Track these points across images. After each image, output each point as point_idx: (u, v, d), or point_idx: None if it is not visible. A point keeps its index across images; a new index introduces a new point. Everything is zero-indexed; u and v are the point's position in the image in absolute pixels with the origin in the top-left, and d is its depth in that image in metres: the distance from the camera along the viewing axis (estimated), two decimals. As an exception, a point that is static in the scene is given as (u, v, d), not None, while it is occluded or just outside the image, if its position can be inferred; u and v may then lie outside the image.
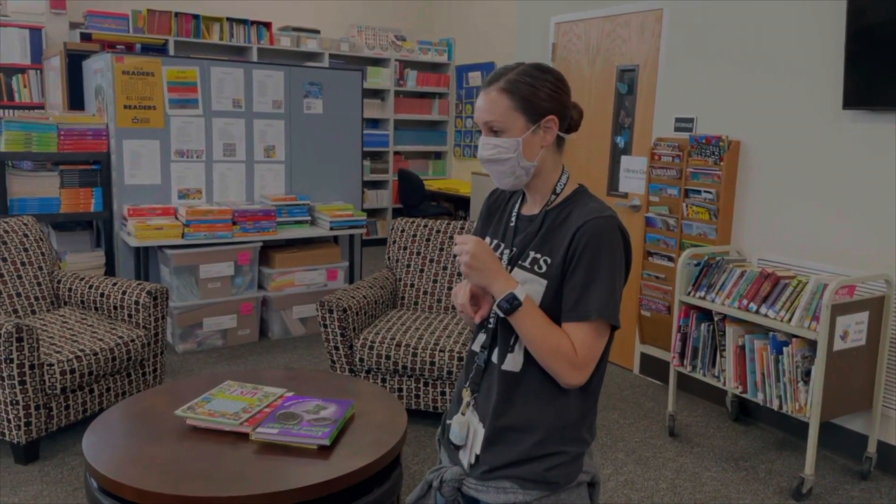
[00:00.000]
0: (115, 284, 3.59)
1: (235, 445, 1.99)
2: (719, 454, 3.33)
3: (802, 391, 2.94)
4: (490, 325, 1.48)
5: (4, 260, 3.55)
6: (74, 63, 5.37)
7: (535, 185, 1.48)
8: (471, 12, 7.98)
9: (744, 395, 3.19)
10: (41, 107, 6.00)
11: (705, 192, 3.76)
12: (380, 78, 7.91)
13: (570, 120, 1.47)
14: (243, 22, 7.10)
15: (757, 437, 3.53)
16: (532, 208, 1.51)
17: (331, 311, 3.39)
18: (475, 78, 7.94)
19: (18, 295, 3.56)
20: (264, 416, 2.10)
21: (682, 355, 3.45)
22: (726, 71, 3.77)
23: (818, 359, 2.85)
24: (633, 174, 4.18)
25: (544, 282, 1.40)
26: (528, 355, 1.42)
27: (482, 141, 1.44)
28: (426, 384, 3.39)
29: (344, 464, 1.90)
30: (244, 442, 2.01)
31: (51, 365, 2.99)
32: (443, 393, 3.37)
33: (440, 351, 3.31)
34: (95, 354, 3.15)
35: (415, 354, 3.32)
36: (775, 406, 3.05)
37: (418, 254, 4.03)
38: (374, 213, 8.26)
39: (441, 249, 4.02)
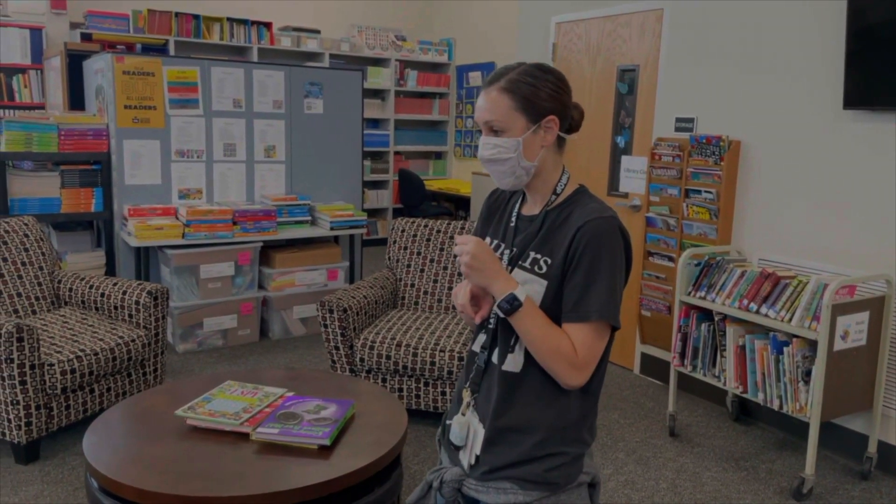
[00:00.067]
0: (115, 284, 3.59)
1: (236, 445, 1.99)
2: (720, 454, 3.33)
3: (803, 391, 2.94)
4: (490, 326, 1.48)
5: (5, 260, 3.55)
6: (75, 63, 5.37)
7: (536, 185, 1.48)
8: (471, 12, 7.98)
9: (744, 395, 3.19)
10: (41, 107, 6.00)
11: (706, 192, 3.76)
12: (380, 78, 7.91)
13: (571, 120, 1.47)
14: (244, 22, 7.10)
15: (757, 437, 3.53)
16: (532, 208, 1.51)
17: (331, 311, 3.39)
18: (475, 78, 7.94)
19: (19, 295, 3.56)
20: (265, 416, 2.10)
21: (682, 355, 3.45)
22: (727, 71, 3.77)
23: (818, 359, 2.85)
24: (634, 174, 4.18)
25: (544, 282, 1.40)
26: (528, 356, 1.42)
27: (482, 141, 1.44)
28: (426, 384, 3.39)
29: (344, 464, 1.90)
30: (244, 442, 2.01)
31: (51, 365, 2.99)
32: (443, 393, 3.37)
33: (440, 351, 3.31)
34: (96, 354, 3.15)
35: (415, 354, 3.32)
36: (776, 406, 3.05)
37: (419, 254, 4.03)
38: (374, 213, 8.26)
39: (441, 249, 4.02)
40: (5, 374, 2.88)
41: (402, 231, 4.08)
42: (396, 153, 8.23)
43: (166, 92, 4.54)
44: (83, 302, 3.66)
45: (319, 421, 2.05)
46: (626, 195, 4.37)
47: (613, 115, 4.47)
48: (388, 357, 3.35)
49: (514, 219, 1.52)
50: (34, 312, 3.61)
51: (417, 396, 3.41)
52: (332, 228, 4.90)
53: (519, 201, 1.54)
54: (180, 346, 4.49)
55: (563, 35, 4.79)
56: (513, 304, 1.35)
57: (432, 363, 3.31)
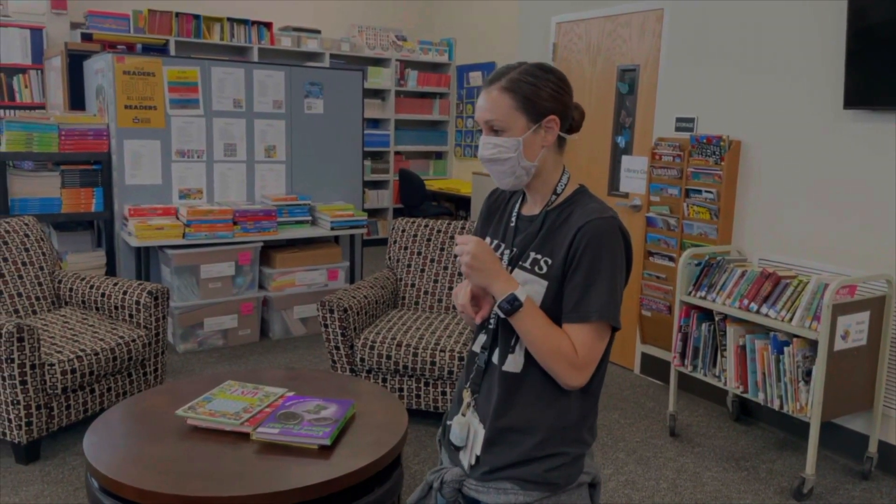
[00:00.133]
0: (115, 284, 3.59)
1: (236, 445, 1.99)
2: (720, 454, 3.33)
3: (803, 391, 2.94)
4: (491, 326, 1.48)
5: (6, 260, 3.56)
6: (75, 63, 5.37)
7: (536, 185, 1.48)
8: (471, 12, 7.98)
9: (745, 395, 3.19)
10: (42, 107, 6.00)
11: (706, 191, 3.76)
12: (380, 78, 7.91)
13: (572, 120, 1.46)
14: (244, 22, 7.10)
15: (758, 437, 3.53)
16: (532, 208, 1.50)
17: (331, 311, 3.39)
18: (476, 78, 7.94)
19: (19, 295, 3.56)
20: (265, 416, 2.10)
21: (682, 355, 3.44)
22: (727, 70, 3.77)
23: (819, 359, 2.85)
24: (634, 174, 4.18)
25: (545, 283, 1.40)
26: (528, 356, 1.42)
27: (483, 140, 1.44)
28: (427, 384, 3.39)
29: (344, 464, 1.90)
30: (245, 442, 2.01)
31: (52, 365, 2.99)
32: (443, 393, 3.37)
33: (441, 351, 3.31)
34: (96, 354, 3.15)
35: (415, 354, 3.32)
36: (776, 406, 3.05)
37: (419, 254, 4.03)
38: (374, 213, 8.26)
39: (442, 249, 4.02)
40: (6, 374, 2.88)
41: (403, 231, 4.08)
42: (397, 153, 8.23)
43: (167, 92, 4.55)
44: (83, 302, 3.67)
45: (320, 421, 2.05)
46: (626, 195, 4.37)
47: (614, 114, 4.47)
48: (389, 357, 3.35)
49: (514, 219, 1.52)
50: (35, 312, 3.61)
51: (418, 396, 3.41)
52: (332, 228, 4.90)
53: (519, 201, 1.54)
54: (181, 346, 4.49)
55: (563, 35, 4.79)
56: (513, 304, 1.35)
57: (433, 363, 3.31)
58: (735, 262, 3.39)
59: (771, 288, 3.07)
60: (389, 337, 3.41)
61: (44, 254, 3.74)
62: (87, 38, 6.23)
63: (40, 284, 3.67)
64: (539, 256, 1.43)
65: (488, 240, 1.56)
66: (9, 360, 2.86)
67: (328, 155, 5.20)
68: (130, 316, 3.50)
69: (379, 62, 8.11)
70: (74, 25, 6.27)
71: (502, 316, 1.38)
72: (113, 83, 4.39)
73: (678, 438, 3.49)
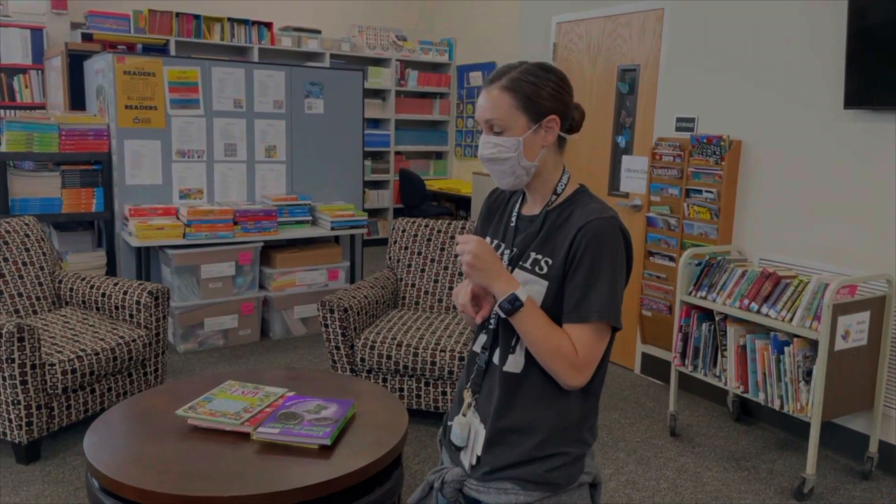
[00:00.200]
0: (116, 284, 3.59)
1: (236, 445, 1.99)
2: (721, 454, 3.33)
3: (804, 391, 2.94)
4: (491, 326, 1.48)
5: (6, 260, 3.56)
6: (75, 63, 5.37)
7: (536, 185, 1.47)
8: (472, 12, 7.98)
9: (745, 395, 3.19)
10: (42, 107, 6.00)
11: (706, 191, 3.76)
12: (381, 78, 7.91)
13: (572, 120, 1.46)
14: (244, 22, 7.10)
15: (758, 437, 3.53)
16: (532, 208, 1.50)
17: (332, 311, 3.39)
18: (476, 78, 7.94)
19: (20, 295, 3.56)
20: (265, 416, 2.10)
21: (683, 355, 3.44)
22: (727, 70, 3.76)
23: (819, 359, 2.84)
24: (634, 174, 4.18)
25: (545, 283, 1.40)
26: (529, 356, 1.42)
27: (483, 139, 1.44)
28: (427, 384, 3.39)
29: (345, 464, 1.90)
30: (245, 442, 2.01)
31: (52, 365, 2.99)
32: (444, 393, 3.37)
33: (441, 351, 3.31)
34: (97, 354, 3.15)
35: (416, 354, 3.32)
36: (777, 406, 3.05)
37: (419, 254, 4.03)
38: (375, 213, 8.26)
39: (442, 249, 4.02)
40: (6, 374, 2.88)
41: (403, 231, 4.08)
42: (397, 153, 8.23)
43: (167, 92, 4.55)
44: (84, 302, 3.67)
45: (320, 421, 2.05)
46: (626, 195, 4.37)
47: (614, 114, 4.46)
48: (389, 357, 3.35)
49: (514, 219, 1.52)
50: (35, 312, 3.61)
51: (418, 396, 3.41)
52: (332, 228, 4.90)
53: (519, 201, 1.54)
54: (181, 346, 4.49)
55: (563, 35, 4.79)
56: (514, 304, 1.35)
57: (433, 363, 3.31)
58: (735, 261, 3.39)
59: (771, 288, 3.07)
60: (390, 337, 3.41)
61: (44, 254, 3.74)
62: (87, 38, 6.23)
63: (41, 284, 3.67)
64: (539, 256, 1.43)
65: (488, 240, 1.56)
66: (9, 360, 2.86)
67: (328, 155, 5.20)
68: (131, 316, 3.50)
69: (379, 62, 8.11)
70: (75, 25, 6.27)
71: (503, 316, 1.38)
72: (113, 83, 4.39)
73: (678, 438, 3.49)
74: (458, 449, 1.52)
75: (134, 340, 3.33)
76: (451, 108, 8.41)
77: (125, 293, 3.52)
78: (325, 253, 4.98)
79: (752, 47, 3.64)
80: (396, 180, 8.08)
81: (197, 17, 6.82)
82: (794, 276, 3.07)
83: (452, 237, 4.02)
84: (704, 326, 3.34)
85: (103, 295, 3.59)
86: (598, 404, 1.50)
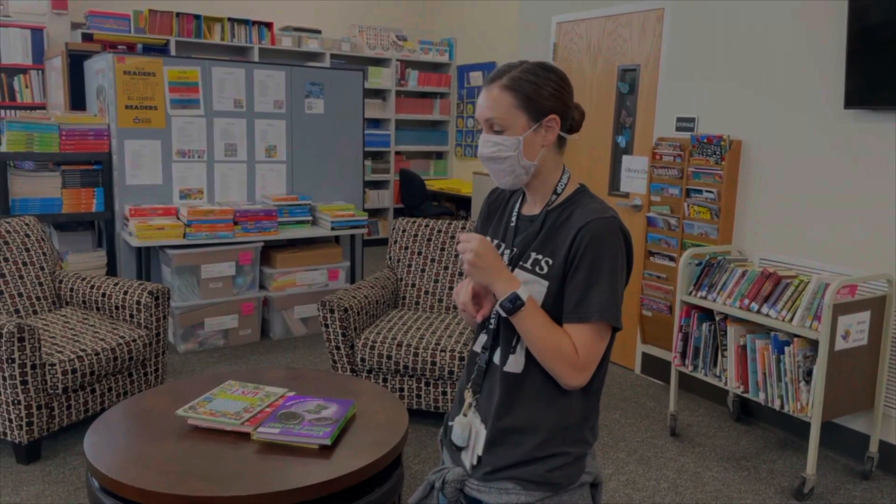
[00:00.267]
0: (116, 284, 3.59)
1: (237, 445, 1.99)
2: (721, 454, 3.33)
3: (804, 391, 2.93)
4: (491, 326, 1.48)
5: (6, 260, 3.56)
6: (76, 63, 5.37)
7: (536, 184, 1.47)
8: (472, 12, 7.98)
9: (745, 395, 3.19)
10: (43, 107, 6.00)
11: (707, 191, 3.76)
12: (381, 78, 7.91)
13: (572, 120, 1.46)
14: (245, 22, 7.10)
15: (758, 437, 3.53)
16: (532, 208, 1.50)
17: (332, 311, 3.39)
18: (476, 78, 7.94)
19: (20, 295, 3.56)
20: (265, 416, 2.10)
21: (683, 355, 3.44)
22: (728, 70, 3.76)
23: (820, 358, 2.84)
24: (635, 174, 4.18)
25: (546, 283, 1.40)
26: (529, 356, 1.42)
27: (483, 138, 1.44)
28: (427, 384, 3.39)
29: (345, 463, 1.90)
30: (245, 442, 2.01)
31: (52, 365, 2.99)
32: (444, 393, 3.37)
33: (441, 351, 3.31)
34: (97, 354, 3.15)
35: (416, 354, 3.32)
36: (777, 406, 3.05)
37: (419, 254, 4.03)
38: (375, 213, 8.26)
39: (442, 249, 4.02)
40: (6, 374, 2.88)
41: (403, 231, 4.08)
42: (397, 153, 8.23)
43: (167, 92, 4.55)
44: (84, 302, 3.67)
45: (320, 421, 2.05)
46: (627, 195, 4.37)
47: (614, 114, 4.46)
48: (389, 357, 3.35)
49: (514, 219, 1.52)
50: (35, 312, 3.61)
51: (418, 396, 3.41)
52: (333, 228, 4.90)
53: (519, 201, 1.54)
54: (181, 346, 4.49)
55: (563, 35, 4.79)
56: (515, 303, 1.35)
57: (433, 363, 3.31)
58: (736, 261, 3.39)
59: (771, 288, 3.07)
60: (390, 337, 3.41)
61: (44, 254, 3.74)
62: (87, 38, 6.23)
63: (41, 284, 3.67)
64: (540, 257, 1.43)
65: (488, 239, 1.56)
66: (9, 360, 2.86)
67: (329, 155, 5.20)
68: (131, 316, 3.50)
69: (379, 62, 8.11)
70: (75, 26, 6.27)
71: (503, 315, 1.38)
72: (113, 83, 4.40)
73: (679, 438, 3.49)
74: (459, 449, 1.51)
75: (134, 340, 3.33)
76: (451, 108, 8.41)
77: (125, 293, 3.52)
78: (326, 253, 4.98)
79: (752, 47, 3.64)
80: (397, 180, 8.08)
81: (197, 17, 6.82)
82: (794, 275, 3.07)
83: (452, 237, 4.02)
84: (705, 326, 3.34)
85: (103, 295, 3.59)
86: (599, 404, 1.50)
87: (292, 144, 5.04)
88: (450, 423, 1.55)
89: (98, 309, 3.63)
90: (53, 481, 2.91)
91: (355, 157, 5.33)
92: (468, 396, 1.51)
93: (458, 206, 7.98)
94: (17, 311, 3.53)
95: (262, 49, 7.22)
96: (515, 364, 1.44)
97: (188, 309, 4.46)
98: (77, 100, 5.38)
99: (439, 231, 4.04)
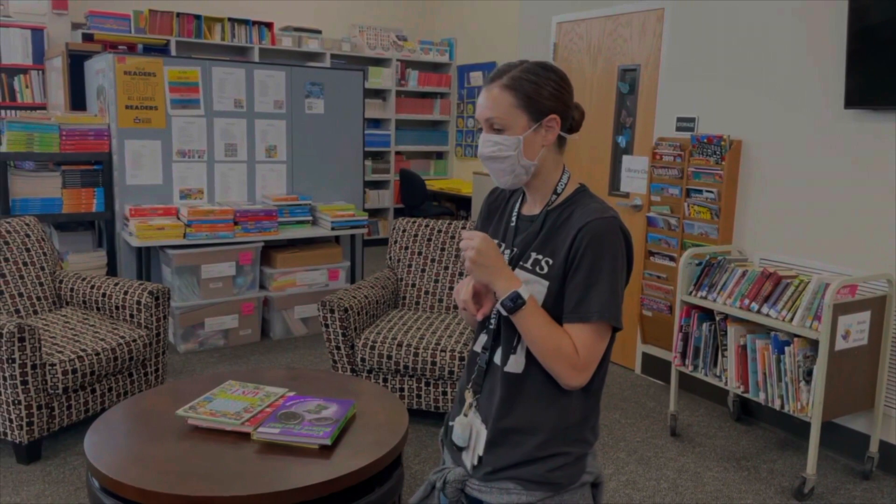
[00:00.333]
0: (116, 284, 3.60)
1: (237, 445, 2.00)
2: (721, 454, 3.33)
3: (804, 391, 2.93)
4: (491, 326, 1.48)
5: (7, 260, 3.56)
6: (76, 63, 5.38)
7: (536, 184, 1.47)
8: (472, 12, 7.98)
9: (745, 395, 3.19)
10: (43, 107, 6.01)
11: (707, 191, 3.76)
12: (381, 78, 7.91)
13: (572, 120, 1.46)
14: (245, 22, 7.10)
15: (759, 437, 3.53)
16: (532, 208, 1.50)
17: (332, 311, 3.39)
18: (477, 78, 7.94)
19: (20, 295, 3.56)
20: (266, 416, 2.10)
21: (683, 355, 3.44)
22: (728, 70, 3.76)
23: (820, 358, 2.84)
24: (635, 174, 4.17)
25: (546, 283, 1.40)
26: (530, 357, 1.42)
27: (483, 138, 1.44)
28: (427, 384, 3.39)
29: (345, 463, 1.90)
30: (245, 442, 2.02)
31: (53, 365, 3.00)
32: (444, 393, 3.37)
33: (442, 351, 3.31)
34: (97, 354, 3.15)
35: (416, 354, 3.32)
36: (777, 406, 3.05)
37: (420, 254, 4.03)
38: (375, 213, 8.26)
39: (442, 249, 4.02)
40: (7, 374, 2.88)
41: (403, 231, 4.08)
42: (397, 153, 8.23)
43: (167, 92, 4.55)
44: (84, 302, 3.67)
45: (320, 421, 2.05)
46: (627, 195, 4.37)
47: (614, 114, 4.46)
48: (390, 357, 3.35)
49: (514, 219, 1.52)
50: (36, 312, 3.61)
51: (418, 396, 3.41)
52: (333, 228, 4.90)
53: (519, 201, 1.54)
54: (181, 346, 4.49)
55: (563, 35, 4.79)
56: (516, 302, 1.35)
57: (433, 363, 3.31)
58: (736, 261, 3.39)
59: (772, 288, 3.07)
60: (390, 337, 3.41)
61: (45, 254, 3.74)
62: (87, 38, 6.23)
63: (41, 284, 3.67)
64: (540, 257, 1.43)
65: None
66: (10, 360, 2.86)
67: (329, 155, 5.20)
68: (131, 316, 3.50)
69: (380, 62, 8.11)
70: (75, 26, 6.27)
71: (504, 314, 1.38)
72: (114, 83, 4.40)
73: (679, 438, 3.49)
74: (460, 449, 1.51)
75: (134, 340, 3.34)
76: (451, 108, 8.41)
77: (126, 293, 3.52)
78: (326, 253, 4.98)
79: (752, 47, 3.64)
80: (397, 180, 8.08)
81: (197, 17, 6.82)
82: (794, 275, 3.07)
83: (453, 237, 4.02)
84: (705, 326, 3.34)
85: (104, 295, 3.59)
86: (600, 404, 1.50)
87: (292, 144, 5.04)
88: (450, 424, 1.55)
89: (98, 309, 3.63)
90: (54, 481, 2.91)
91: (355, 157, 5.33)
92: (469, 396, 1.51)
93: (458, 206, 7.98)
94: (17, 311, 3.53)
95: (263, 49, 7.23)
96: (516, 364, 1.44)
97: (188, 309, 4.46)
98: (77, 100, 5.38)
99: (439, 231, 4.04)
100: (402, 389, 3.42)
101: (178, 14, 6.73)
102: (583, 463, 1.45)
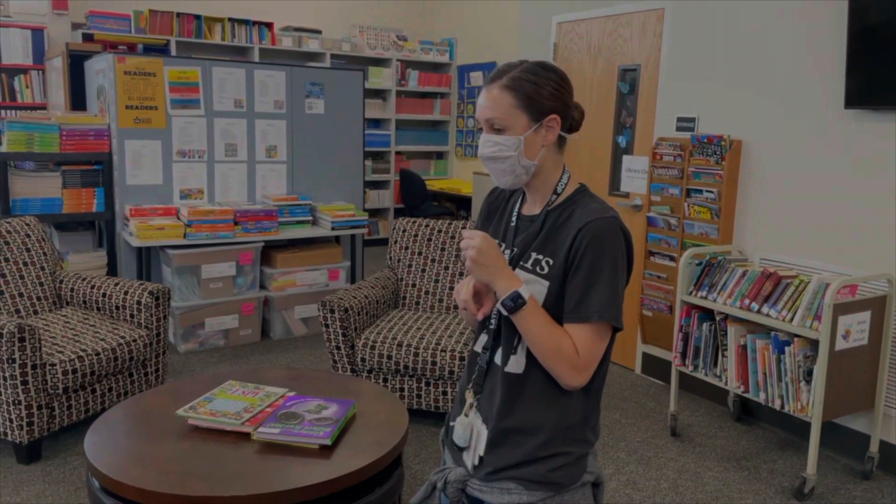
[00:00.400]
0: (117, 284, 3.60)
1: (237, 445, 2.00)
2: (721, 454, 3.33)
3: (804, 391, 2.93)
4: (492, 326, 1.48)
5: (7, 260, 3.56)
6: (76, 63, 5.38)
7: (536, 184, 1.47)
8: (472, 12, 7.98)
9: (746, 395, 3.19)
10: (43, 107, 6.01)
11: (707, 191, 3.76)
12: (381, 78, 7.91)
13: (572, 120, 1.46)
14: (245, 22, 7.10)
15: (759, 437, 3.53)
16: (532, 208, 1.50)
17: (332, 311, 3.39)
18: (477, 78, 7.94)
19: (21, 295, 3.56)
20: (266, 416, 2.10)
21: (683, 355, 3.44)
22: (728, 70, 3.76)
23: (820, 358, 2.84)
24: (635, 174, 4.17)
25: (546, 283, 1.40)
26: (530, 357, 1.42)
27: (483, 138, 1.44)
28: (428, 384, 3.39)
29: (345, 463, 1.90)
30: (246, 442, 2.02)
31: (53, 365, 3.00)
32: (444, 393, 3.37)
33: (442, 351, 3.31)
34: (97, 354, 3.15)
35: (416, 354, 3.32)
36: (777, 406, 3.05)
37: (420, 254, 4.03)
38: (375, 213, 8.26)
39: (443, 249, 4.02)
40: (7, 374, 2.88)
41: (404, 231, 4.08)
42: (398, 153, 8.23)
43: (167, 92, 4.55)
44: (85, 302, 3.67)
45: (320, 421, 2.05)
46: (627, 195, 4.37)
47: (615, 114, 4.46)
48: (390, 357, 3.35)
49: (514, 219, 1.51)
50: (36, 312, 3.61)
51: (419, 396, 3.41)
52: (333, 228, 4.90)
53: (519, 201, 1.54)
54: (182, 346, 4.49)
55: (563, 35, 4.79)
56: (517, 301, 1.34)
57: (433, 363, 3.31)
58: (736, 261, 3.39)
59: (772, 288, 3.07)
60: (390, 337, 3.41)
61: (45, 254, 3.74)
62: (88, 38, 6.23)
63: (41, 284, 3.67)
64: (540, 257, 1.43)
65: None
66: (10, 360, 2.86)
67: (329, 155, 5.20)
68: (131, 316, 3.50)
69: (380, 62, 8.11)
70: (75, 26, 6.27)
71: (505, 313, 1.38)
72: (114, 83, 4.40)
73: (679, 438, 3.49)
74: (461, 449, 1.51)
75: (135, 340, 3.34)
76: (451, 108, 8.41)
77: (126, 293, 3.52)
78: (326, 253, 4.98)
79: (752, 47, 3.64)
80: (397, 180, 8.08)
81: (197, 17, 6.82)
82: (794, 275, 3.07)
83: (453, 237, 4.02)
84: (705, 326, 3.34)
85: (104, 295, 3.59)
86: (600, 404, 1.50)
87: (292, 144, 5.04)
88: (451, 424, 1.55)
89: (98, 309, 3.63)
90: (54, 481, 2.91)
91: (355, 157, 5.33)
92: (469, 397, 1.51)
93: (458, 206, 7.98)
94: (17, 311, 3.53)
95: (263, 49, 7.23)
96: (516, 364, 1.44)
97: (188, 309, 4.46)
98: (77, 100, 5.38)
99: (440, 231, 4.04)
100: (402, 389, 3.42)
101: (178, 14, 6.73)
102: (583, 463, 1.45)
